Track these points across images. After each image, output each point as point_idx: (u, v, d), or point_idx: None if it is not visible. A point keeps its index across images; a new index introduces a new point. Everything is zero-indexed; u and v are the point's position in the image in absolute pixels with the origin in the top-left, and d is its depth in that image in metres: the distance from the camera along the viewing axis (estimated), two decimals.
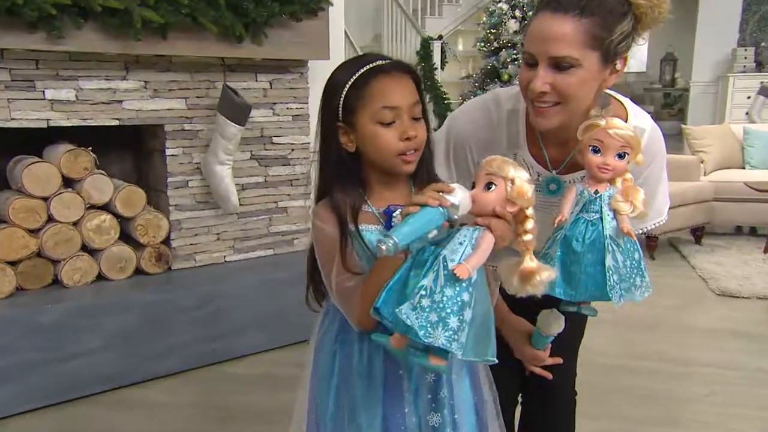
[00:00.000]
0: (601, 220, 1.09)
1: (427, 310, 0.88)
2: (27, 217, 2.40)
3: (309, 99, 3.00)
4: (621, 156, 1.09)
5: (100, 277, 2.59)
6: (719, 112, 7.40)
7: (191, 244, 2.82)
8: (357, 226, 1.09)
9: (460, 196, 0.93)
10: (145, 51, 2.47)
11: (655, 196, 1.31)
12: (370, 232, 1.10)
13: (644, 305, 3.30)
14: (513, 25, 6.09)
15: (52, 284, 2.51)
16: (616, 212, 1.09)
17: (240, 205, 2.85)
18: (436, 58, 6.81)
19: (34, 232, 2.42)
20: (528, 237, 0.97)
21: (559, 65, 1.09)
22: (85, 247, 2.54)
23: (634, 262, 1.10)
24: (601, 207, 1.10)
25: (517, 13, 6.05)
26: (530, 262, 0.97)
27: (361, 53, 5.98)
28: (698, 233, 4.68)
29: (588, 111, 1.17)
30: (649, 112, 1.34)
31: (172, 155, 2.71)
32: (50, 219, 2.45)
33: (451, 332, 0.88)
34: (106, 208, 2.60)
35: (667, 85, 9.99)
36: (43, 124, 2.40)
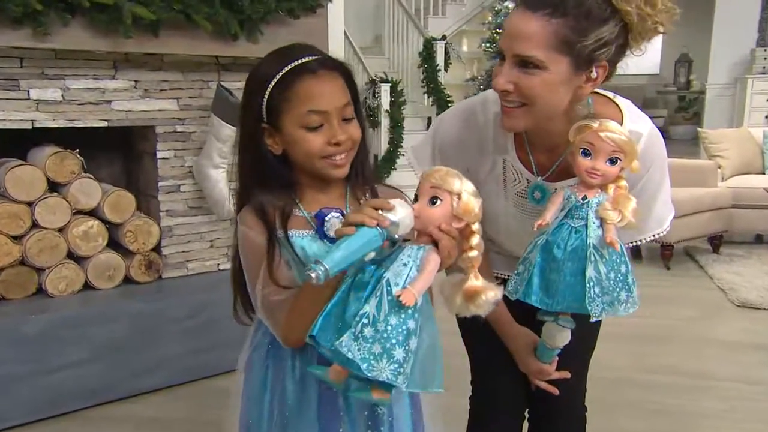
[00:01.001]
0: (586, 227, 1.08)
1: (370, 340, 0.85)
2: (10, 223, 2.39)
3: None
4: (613, 161, 1.07)
5: (87, 286, 2.58)
6: (737, 115, 7.40)
7: (183, 252, 2.81)
8: (286, 232, 1.06)
9: (400, 214, 0.91)
10: (136, 49, 2.47)
11: (654, 204, 1.28)
12: (301, 237, 1.08)
13: (657, 317, 3.36)
14: None
15: (36, 293, 2.50)
16: (602, 221, 1.07)
17: (234, 210, 2.84)
18: (440, 60, 6.81)
19: (17, 238, 2.42)
20: (474, 253, 0.95)
21: (524, 64, 1.08)
22: (71, 255, 2.54)
23: (619, 275, 1.08)
24: (587, 214, 1.08)
25: None
26: (475, 281, 0.95)
27: (360, 54, 6.05)
28: (716, 242, 4.67)
29: (563, 116, 1.15)
30: (651, 117, 1.30)
31: (164, 158, 2.71)
32: (34, 225, 2.44)
33: (396, 365, 0.85)
34: (93, 213, 2.60)
35: (682, 88, 10.00)
36: (28, 125, 2.40)
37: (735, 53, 7.45)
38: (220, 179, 2.73)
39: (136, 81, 2.60)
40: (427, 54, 6.76)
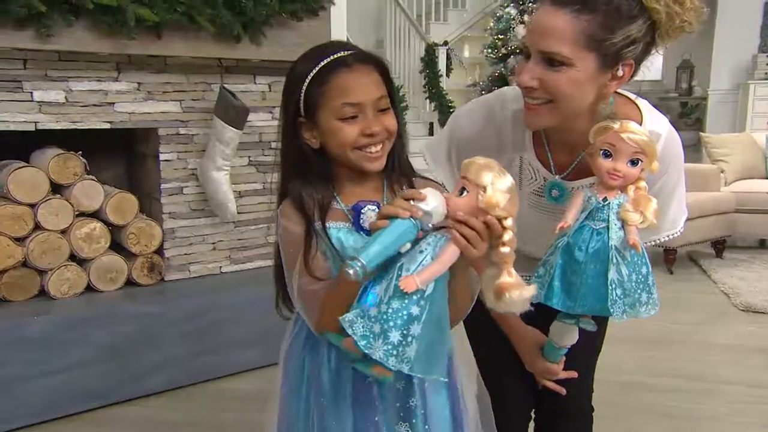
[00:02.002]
0: (608, 229, 1.07)
1: (373, 320, 0.88)
2: (12, 225, 2.39)
3: None
4: (634, 163, 1.07)
5: (89, 288, 2.58)
6: (739, 121, 7.41)
7: (185, 254, 2.81)
8: (324, 224, 1.08)
9: (432, 204, 0.92)
10: (139, 51, 2.48)
11: (669, 205, 1.29)
12: (338, 229, 1.10)
13: (662, 321, 3.35)
14: (522, 30, 6.12)
15: (39, 295, 2.50)
16: (624, 223, 1.07)
17: (237, 213, 2.84)
18: (442, 65, 6.84)
19: (20, 240, 2.42)
20: (505, 249, 0.94)
21: (551, 61, 1.08)
22: (73, 257, 2.54)
23: (640, 277, 1.08)
24: (608, 215, 1.08)
25: (526, 18, 6.08)
26: (507, 278, 0.95)
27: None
28: (719, 246, 4.67)
29: (587, 114, 1.15)
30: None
31: (166, 160, 2.71)
32: (37, 227, 2.44)
33: (390, 346, 0.87)
34: (96, 215, 2.60)
35: (684, 94, 9.99)
36: (31, 127, 2.40)
37: (737, 59, 7.47)
38: (223, 181, 2.73)
39: (139, 83, 2.61)
40: (429, 59, 6.79)
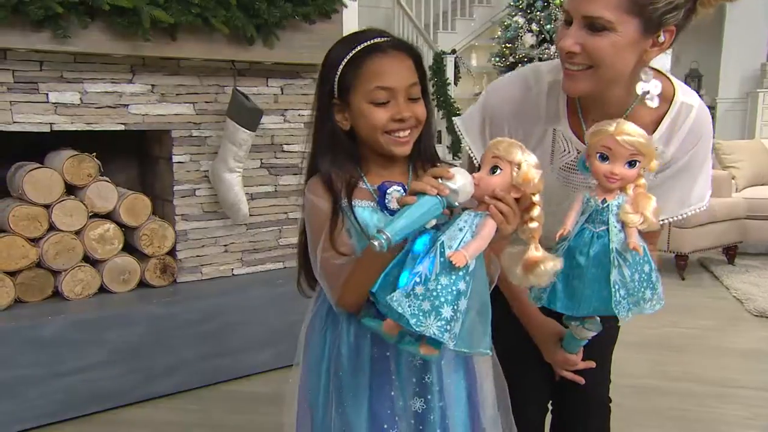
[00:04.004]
0: (608, 232, 1.07)
1: (421, 298, 0.90)
2: (28, 226, 2.41)
3: None
4: (631, 164, 1.06)
5: (102, 289, 2.59)
6: (748, 129, 7.41)
7: (198, 256, 2.82)
8: (350, 202, 1.11)
9: (460, 182, 0.94)
10: (153, 53, 2.51)
11: (697, 179, 1.30)
12: (363, 208, 1.13)
13: (674, 326, 3.35)
14: (530, 39, 6.14)
15: (53, 296, 2.52)
16: (624, 225, 1.07)
17: (249, 215, 2.85)
18: (449, 74, 6.87)
19: (34, 241, 2.43)
20: (534, 225, 0.98)
21: (593, 26, 1.08)
22: (87, 258, 2.55)
23: (643, 275, 1.08)
24: (608, 218, 1.08)
25: (534, 26, 6.10)
26: (535, 252, 0.98)
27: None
28: (731, 253, 4.66)
29: (625, 82, 1.16)
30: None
31: (179, 162, 2.73)
32: (51, 227, 2.46)
33: (443, 322, 0.89)
34: (109, 216, 2.61)
35: None
36: (47, 128, 2.42)
37: (745, 68, 7.49)
38: (235, 183, 2.75)
39: (153, 85, 2.63)
40: (437, 68, 6.81)
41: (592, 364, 1.37)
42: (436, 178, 0.95)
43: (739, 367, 2.93)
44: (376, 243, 0.88)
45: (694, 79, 9.67)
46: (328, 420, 1.16)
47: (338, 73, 1.11)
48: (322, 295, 1.21)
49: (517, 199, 0.97)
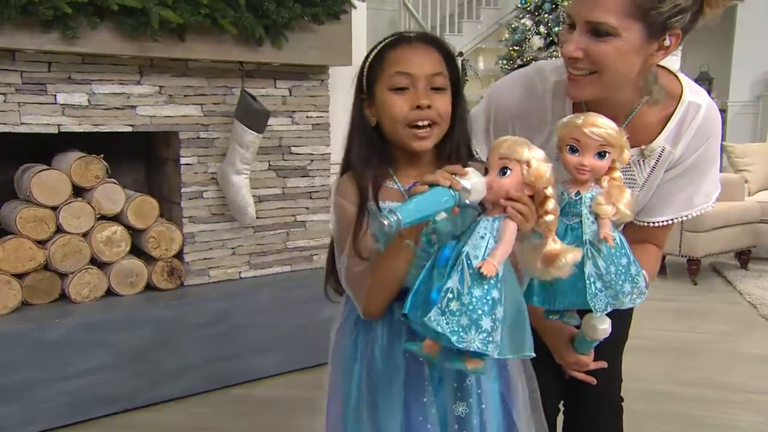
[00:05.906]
0: (581, 224, 1.08)
1: (457, 313, 0.89)
2: (35, 227, 2.42)
3: (330, 107, 3.04)
4: (601, 155, 1.07)
5: (110, 292, 2.60)
6: (760, 132, 7.38)
7: (205, 259, 2.83)
8: (377, 201, 1.11)
9: (473, 181, 0.94)
10: (161, 54, 2.52)
11: (705, 178, 1.30)
12: None
13: (687, 331, 3.34)
14: (537, 41, 6.14)
15: (60, 299, 2.53)
16: (597, 216, 1.08)
17: (256, 218, 2.86)
18: None
19: (41, 243, 2.45)
20: (549, 218, 0.97)
21: (597, 31, 1.08)
22: (94, 261, 2.56)
23: (620, 268, 1.08)
24: (581, 210, 1.09)
25: (542, 29, 6.10)
26: (553, 244, 0.98)
27: None
28: (744, 257, 4.64)
29: (631, 86, 1.16)
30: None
31: (187, 164, 2.74)
32: (59, 230, 2.47)
33: (485, 334, 0.89)
34: (117, 219, 2.62)
35: None
36: (54, 130, 2.44)
37: (757, 71, 7.46)
38: (243, 185, 2.75)
39: (160, 87, 2.64)
40: None
41: (603, 364, 1.37)
42: (451, 173, 0.95)
43: (753, 373, 2.92)
44: (385, 222, 0.87)
45: (704, 82, 9.65)
46: (359, 426, 1.15)
47: (366, 67, 1.14)
48: (350, 302, 1.21)
49: (530, 196, 0.97)
